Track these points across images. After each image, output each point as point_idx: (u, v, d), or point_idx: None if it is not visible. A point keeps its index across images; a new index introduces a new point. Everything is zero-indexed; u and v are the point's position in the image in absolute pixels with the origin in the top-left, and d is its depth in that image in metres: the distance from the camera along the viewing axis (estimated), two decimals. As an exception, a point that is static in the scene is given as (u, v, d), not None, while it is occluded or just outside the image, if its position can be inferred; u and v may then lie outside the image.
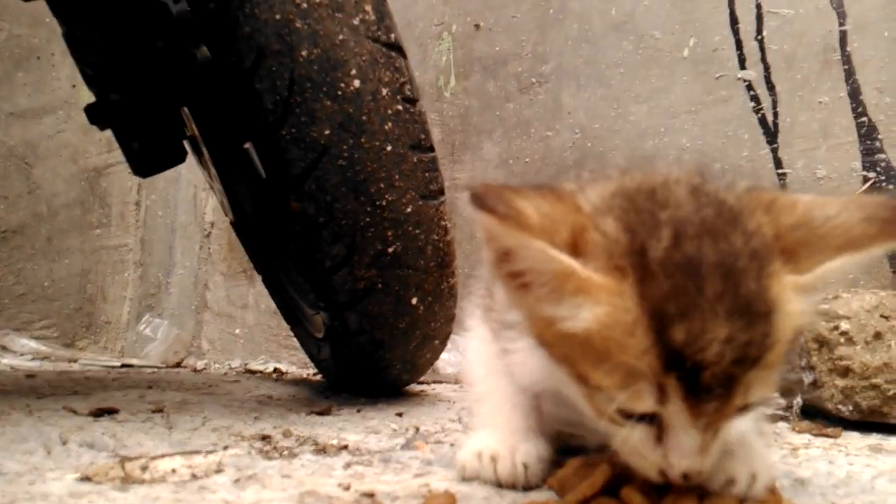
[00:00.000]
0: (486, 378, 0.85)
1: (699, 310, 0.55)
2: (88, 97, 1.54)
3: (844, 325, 1.27)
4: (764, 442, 0.76)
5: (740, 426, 0.63)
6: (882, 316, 1.27)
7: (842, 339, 1.26)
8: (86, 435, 0.97)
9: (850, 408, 1.23)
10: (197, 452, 0.85)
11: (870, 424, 1.21)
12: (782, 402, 1.43)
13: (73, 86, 3.21)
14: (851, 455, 0.95)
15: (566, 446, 0.79)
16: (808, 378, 1.31)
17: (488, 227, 0.59)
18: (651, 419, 0.59)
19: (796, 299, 0.59)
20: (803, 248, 0.61)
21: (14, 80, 3.22)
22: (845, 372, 1.24)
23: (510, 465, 0.73)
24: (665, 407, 0.57)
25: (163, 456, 0.81)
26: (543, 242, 0.58)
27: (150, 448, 0.90)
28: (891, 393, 1.20)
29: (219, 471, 0.78)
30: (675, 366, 0.55)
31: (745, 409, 0.59)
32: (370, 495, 0.67)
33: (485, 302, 0.86)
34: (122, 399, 1.43)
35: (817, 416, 1.30)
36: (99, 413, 1.19)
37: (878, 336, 1.24)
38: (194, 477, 0.75)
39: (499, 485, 0.73)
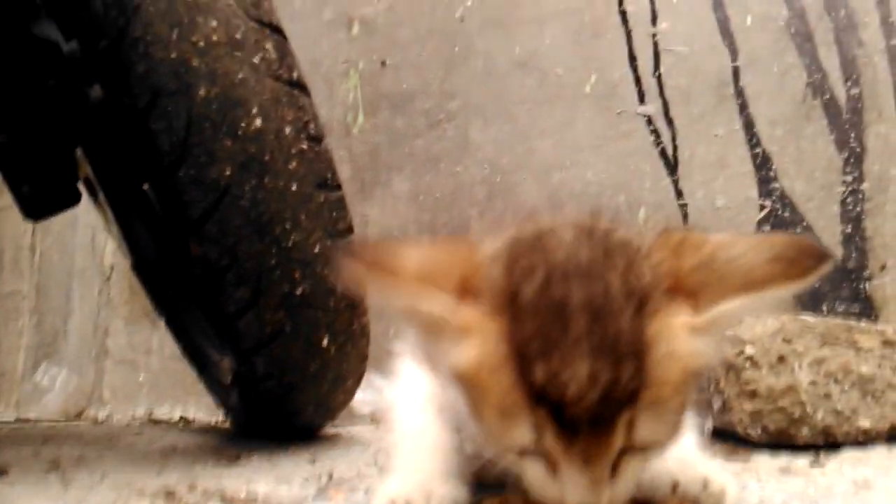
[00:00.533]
0: (408, 420, 0.84)
1: (560, 349, 0.56)
2: (-27, 136, 1.46)
3: (749, 350, 1.30)
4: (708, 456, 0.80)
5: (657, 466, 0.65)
6: (784, 340, 1.31)
7: (747, 364, 1.30)
8: (-31, 501, 0.90)
9: (759, 430, 1.26)
10: (92, 514, 0.80)
11: (778, 445, 1.24)
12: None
13: (-41, 126, 3.06)
14: (762, 479, 0.98)
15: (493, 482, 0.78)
16: (717, 402, 1.34)
17: (357, 279, 0.62)
18: (541, 453, 0.60)
19: (688, 340, 0.59)
20: (702, 289, 0.61)
21: None
22: (752, 395, 1.27)
23: (424, 513, 0.71)
24: (542, 441, 0.58)
25: (53, 521, 0.76)
26: (412, 286, 0.61)
27: (40, 512, 0.84)
28: (796, 415, 1.24)
29: (115, 534, 0.73)
30: (541, 402, 0.56)
31: (640, 450, 0.60)
32: (279, 553, 0.64)
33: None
34: (15, 457, 1.34)
35: (728, 438, 1.33)
36: (-15, 476, 1.11)
37: (781, 360, 1.28)
38: (87, 542, 0.70)
39: (414, 533, 0.71)
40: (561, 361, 0.56)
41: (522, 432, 0.58)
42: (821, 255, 0.61)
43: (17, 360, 3.16)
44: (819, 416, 1.22)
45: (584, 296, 0.58)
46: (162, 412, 2.64)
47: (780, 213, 1.93)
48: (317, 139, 1.20)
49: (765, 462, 1.15)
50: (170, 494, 0.96)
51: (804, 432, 1.22)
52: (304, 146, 1.16)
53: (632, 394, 0.56)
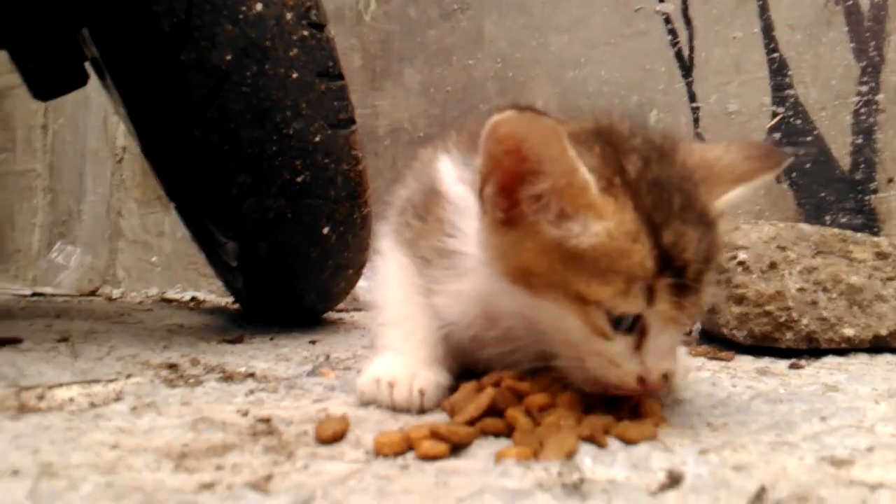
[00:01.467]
0: (397, 305, 0.86)
1: (676, 219, 0.66)
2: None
3: (742, 255, 1.32)
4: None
5: None
6: (778, 247, 1.32)
7: (739, 269, 1.32)
8: (-17, 365, 0.95)
9: (745, 333, 1.29)
10: (97, 381, 0.85)
11: (762, 349, 1.27)
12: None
13: (-31, 0, 3.02)
14: (737, 378, 1.01)
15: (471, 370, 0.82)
16: (706, 305, 1.37)
17: (536, 137, 0.64)
18: (632, 328, 0.68)
19: (720, 220, 0.71)
20: (706, 183, 0.72)
21: None
22: (741, 300, 1.30)
23: (407, 391, 0.75)
24: (652, 307, 0.66)
25: (61, 385, 0.80)
26: (575, 153, 0.64)
27: (50, 377, 0.89)
28: (782, 319, 1.26)
29: (118, 399, 0.77)
30: (666, 265, 0.65)
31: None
32: (266, 420, 0.68)
33: (413, 227, 0.86)
34: (28, 328, 1.40)
35: (714, 340, 1.37)
36: (1, 342, 1.16)
37: (773, 266, 1.30)
38: (92, 405, 0.74)
39: (395, 409, 0.75)
40: (680, 230, 0.65)
41: (640, 298, 0.65)
42: (779, 153, 0.79)
43: (32, 238, 3.22)
44: (804, 322, 1.25)
45: (669, 175, 0.68)
46: (174, 293, 2.71)
47: (791, 120, 1.90)
48: (318, 26, 1.18)
49: (746, 363, 1.18)
50: (173, 367, 1.00)
51: (788, 337, 1.25)
52: (306, 33, 1.15)
53: (714, 255, 0.68)
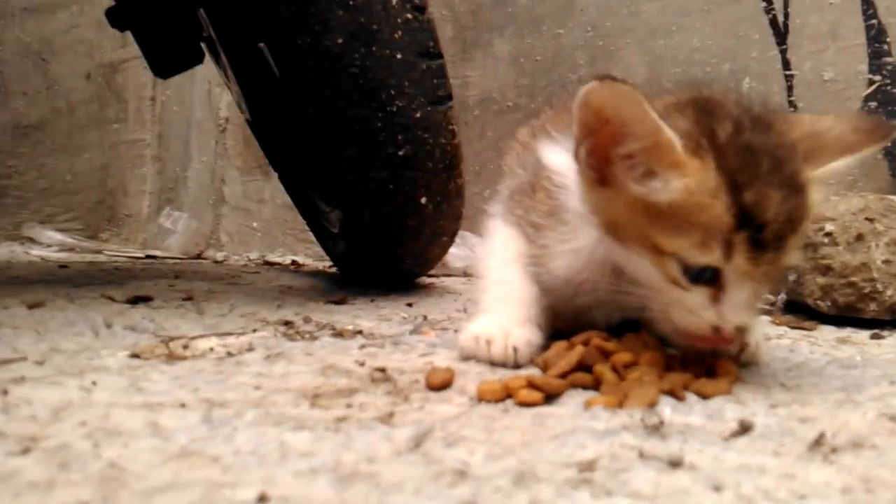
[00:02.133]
0: (497, 271, 0.96)
1: (760, 180, 0.71)
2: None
3: (829, 227, 1.34)
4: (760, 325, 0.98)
5: None
6: (867, 219, 1.34)
7: (825, 240, 1.34)
8: (127, 319, 1.08)
9: (829, 303, 1.32)
10: (230, 334, 0.96)
11: (845, 319, 1.30)
12: (770, 297, 1.53)
13: (86, -21, 3.21)
14: (816, 345, 1.05)
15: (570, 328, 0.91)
16: (791, 275, 1.40)
17: (618, 101, 0.72)
18: (711, 281, 0.73)
19: (815, 190, 0.75)
20: (814, 153, 0.77)
21: (26, -27, 3.22)
22: (826, 270, 1.33)
23: (502, 347, 0.84)
24: (729, 261, 0.71)
25: (201, 336, 0.92)
26: (657, 116, 0.71)
27: (186, 330, 1.01)
28: (866, 291, 1.29)
29: (250, 349, 0.88)
30: (745, 222, 0.70)
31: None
32: (382, 370, 0.78)
33: (523, 203, 0.97)
34: (154, 288, 1.54)
35: (799, 311, 1.40)
36: (135, 300, 1.30)
37: (859, 238, 1.32)
38: (230, 354, 0.86)
39: (492, 363, 0.84)
40: (763, 191, 0.70)
41: (716, 251, 0.71)
42: (888, 125, 0.82)
43: (142, 204, 3.44)
44: (888, 293, 1.27)
45: (763, 143, 0.73)
46: (274, 257, 2.87)
47: (889, 89, 1.88)
48: (421, 9, 1.26)
49: (828, 332, 1.22)
50: (288, 324, 1.11)
51: (871, 308, 1.28)
52: (409, 16, 1.24)
53: (800, 220, 0.72)
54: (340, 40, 1.18)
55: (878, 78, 1.89)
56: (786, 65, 2.01)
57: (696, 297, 0.74)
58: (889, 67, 1.88)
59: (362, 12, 1.18)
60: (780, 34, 2.02)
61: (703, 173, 0.71)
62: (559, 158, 0.90)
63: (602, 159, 0.77)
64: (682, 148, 0.72)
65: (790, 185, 0.72)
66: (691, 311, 0.75)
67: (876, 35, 1.90)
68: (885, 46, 1.88)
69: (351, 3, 1.17)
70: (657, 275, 0.76)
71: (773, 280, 0.74)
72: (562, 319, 0.93)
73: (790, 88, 2.00)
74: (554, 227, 0.90)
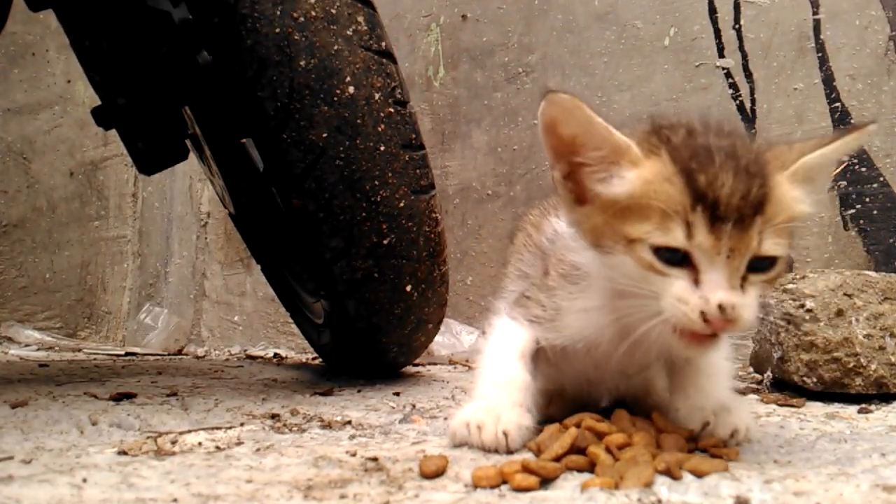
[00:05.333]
0: (492, 360, 0.97)
1: (713, 166, 0.75)
2: (84, 92, 1.61)
3: (809, 304, 1.37)
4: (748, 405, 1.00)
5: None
6: (845, 294, 1.36)
7: (807, 317, 1.36)
8: (112, 416, 1.06)
9: (815, 380, 1.33)
10: (217, 428, 0.95)
11: (832, 395, 1.31)
12: (757, 376, 1.54)
13: (68, 81, 3.27)
14: (805, 421, 1.06)
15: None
16: (776, 353, 1.41)
17: (562, 111, 0.79)
18: (684, 263, 0.76)
19: (787, 184, 0.79)
20: (785, 154, 0.81)
21: (10, 77, 3.28)
22: (810, 347, 1.34)
23: (493, 432, 0.83)
24: (692, 240, 0.75)
25: (188, 431, 0.91)
26: (605, 123, 0.78)
27: (173, 426, 0.99)
28: (851, 365, 1.30)
29: (239, 443, 0.87)
30: (699, 202, 0.74)
31: (763, 264, 0.77)
32: (374, 459, 0.77)
33: (523, 303, 1.00)
34: (137, 384, 1.52)
35: (786, 388, 1.40)
36: (119, 397, 1.28)
37: (840, 313, 1.34)
38: (218, 448, 0.84)
39: (484, 449, 0.83)
40: (715, 173, 0.75)
41: (678, 231, 0.75)
42: (867, 122, 0.84)
43: (122, 301, 3.42)
44: (873, 367, 1.28)
45: (720, 143, 0.77)
46: (256, 350, 2.85)
47: (856, 167, 1.94)
48: (403, 103, 1.30)
49: (816, 409, 1.23)
50: (276, 417, 1.10)
51: (857, 382, 1.29)
52: (392, 110, 1.27)
53: (760, 203, 0.75)
54: (325, 134, 1.21)
55: (845, 158, 1.95)
56: (755, 148, 2.07)
57: (678, 282, 0.76)
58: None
59: (346, 107, 1.22)
60: (748, 119, 2.10)
61: (658, 165, 0.77)
62: (561, 224, 0.97)
63: (574, 179, 0.83)
64: (638, 149, 0.79)
65: (746, 171, 0.75)
66: (679, 298, 0.76)
67: (840, 117, 1.98)
68: (849, 128, 1.95)
69: (335, 98, 1.21)
70: (632, 265, 0.78)
71: (742, 256, 0.75)
72: (563, 397, 0.97)
73: (761, 171, 2.05)
74: (566, 287, 0.93)
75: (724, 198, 0.74)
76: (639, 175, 0.78)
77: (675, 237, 0.75)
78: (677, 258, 0.76)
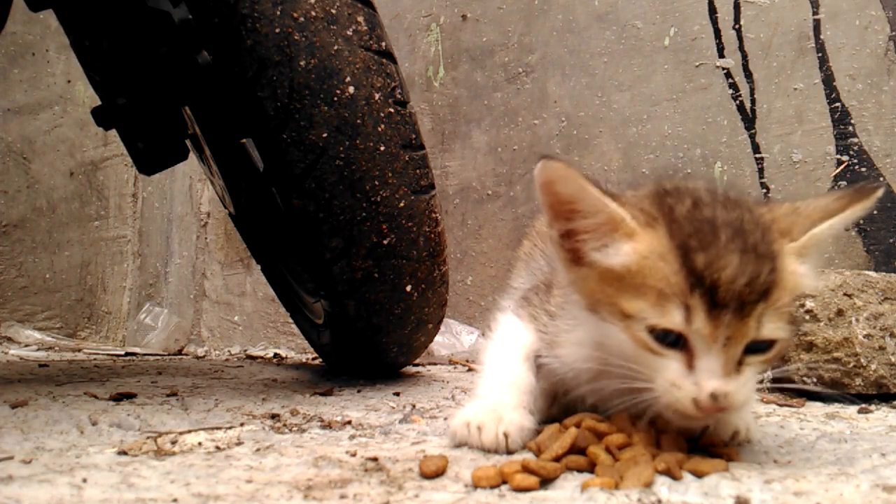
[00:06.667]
0: (495, 358, 0.97)
1: (715, 246, 0.72)
2: (84, 92, 1.61)
3: (809, 304, 1.37)
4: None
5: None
6: (845, 294, 1.36)
7: (807, 317, 1.36)
8: (112, 416, 1.06)
9: (815, 380, 1.33)
10: (217, 428, 0.95)
11: (833, 395, 1.31)
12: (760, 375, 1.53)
13: (69, 81, 3.27)
14: (805, 421, 1.06)
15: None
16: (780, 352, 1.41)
17: (557, 177, 0.77)
18: (681, 345, 0.73)
19: (795, 261, 0.76)
20: (794, 226, 0.79)
21: (10, 77, 3.28)
22: (810, 347, 1.34)
23: (494, 433, 0.83)
24: (690, 325, 0.71)
25: (188, 431, 0.90)
26: (599, 192, 0.76)
27: (173, 426, 0.99)
28: (851, 365, 1.30)
29: (239, 443, 0.87)
30: (698, 285, 0.71)
31: (761, 346, 0.74)
32: (374, 459, 0.77)
33: (527, 307, 1.00)
34: (137, 385, 1.52)
35: (786, 388, 1.40)
36: (119, 397, 1.28)
37: (840, 313, 1.34)
38: (218, 448, 0.84)
39: (484, 450, 0.83)
40: (717, 254, 0.71)
41: (675, 314, 0.72)
42: (873, 187, 0.81)
43: (122, 301, 3.42)
44: (873, 367, 1.28)
45: (726, 217, 0.75)
46: (256, 351, 2.85)
47: (856, 168, 1.94)
48: (402, 103, 1.30)
49: (816, 409, 1.23)
50: (276, 417, 1.10)
51: (857, 382, 1.29)
52: (392, 110, 1.27)
53: (766, 290, 0.72)
54: (325, 134, 1.21)
55: (845, 158, 1.96)
56: (755, 148, 2.07)
57: (672, 363, 0.74)
58: (855, 147, 1.95)
59: (346, 107, 1.22)
60: (748, 119, 2.10)
61: (654, 240, 0.75)
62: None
63: (571, 239, 0.81)
64: (633, 221, 0.76)
65: (753, 252, 0.72)
66: (673, 382, 0.74)
67: (840, 117, 1.97)
68: (850, 128, 1.95)
69: (335, 98, 1.21)
70: (626, 340, 0.76)
71: (740, 344, 0.72)
72: (562, 406, 0.95)
73: (761, 171, 2.06)
74: (563, 317, 0.92)
75: (725, 282, 0.70)
76: (634, 249, 0.75)
77: (673, 320, 0.72)
78: (673, 339, 0.74)
